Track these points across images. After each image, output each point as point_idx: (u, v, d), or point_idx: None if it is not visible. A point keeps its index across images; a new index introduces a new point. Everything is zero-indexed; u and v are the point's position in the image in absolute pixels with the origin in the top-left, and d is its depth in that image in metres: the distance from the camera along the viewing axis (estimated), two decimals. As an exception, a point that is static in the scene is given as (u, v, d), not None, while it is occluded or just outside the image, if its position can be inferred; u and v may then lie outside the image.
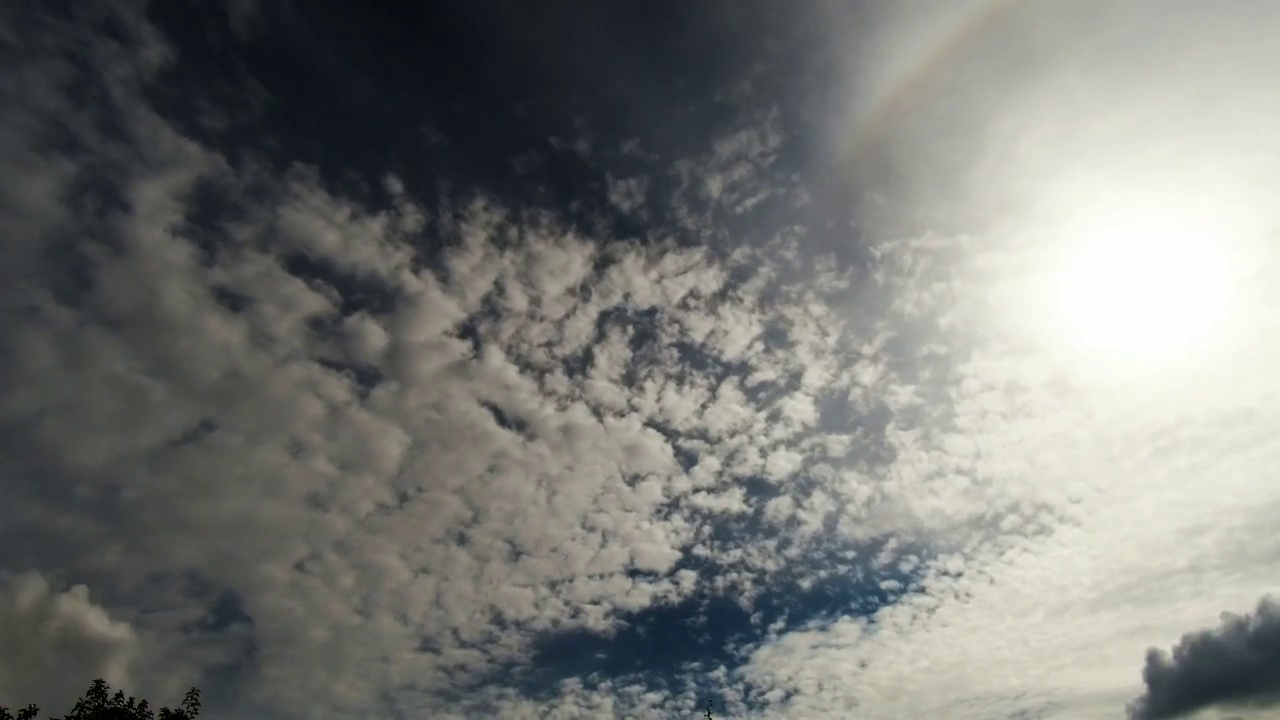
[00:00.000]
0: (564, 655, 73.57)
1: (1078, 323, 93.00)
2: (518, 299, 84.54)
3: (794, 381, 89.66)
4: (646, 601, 75.67)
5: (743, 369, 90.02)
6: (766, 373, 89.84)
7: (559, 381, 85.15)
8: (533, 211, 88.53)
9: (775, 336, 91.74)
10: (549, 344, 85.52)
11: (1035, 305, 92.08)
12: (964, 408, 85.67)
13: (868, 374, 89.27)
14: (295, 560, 69.40)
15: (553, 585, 75.69)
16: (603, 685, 70.52)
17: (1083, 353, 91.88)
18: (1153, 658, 61.58)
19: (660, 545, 79.71)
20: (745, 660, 73.69)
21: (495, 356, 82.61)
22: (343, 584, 71.10)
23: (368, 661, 68.45)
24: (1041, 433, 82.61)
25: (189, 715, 26.44)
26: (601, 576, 77.07)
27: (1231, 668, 57.51)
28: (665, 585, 76.73)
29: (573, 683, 70.21)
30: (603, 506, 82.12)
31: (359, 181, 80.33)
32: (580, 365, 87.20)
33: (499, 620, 72.83)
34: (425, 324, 79.60)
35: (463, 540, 77.40)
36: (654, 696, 70.47)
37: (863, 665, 72.32)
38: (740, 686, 71.59)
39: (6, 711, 21.07)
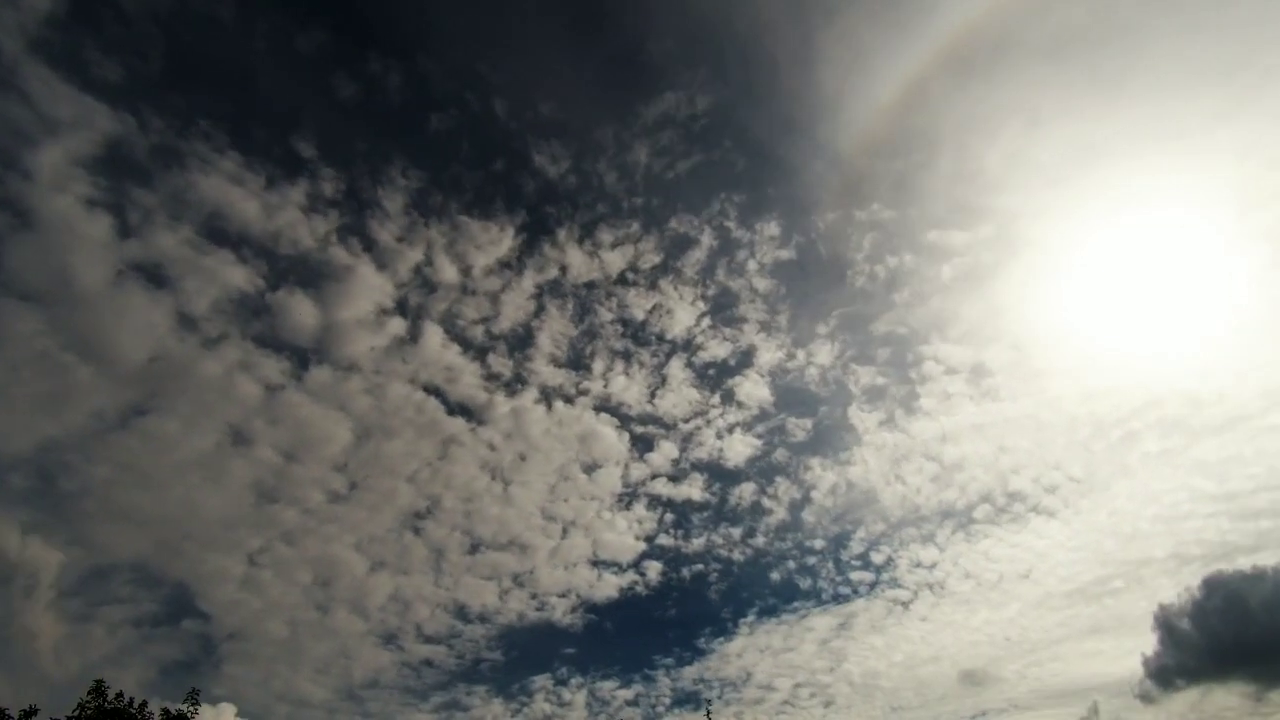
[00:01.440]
0: (533, 650, 72.80)
1: (1039, 303, 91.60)
2: (447, 271, 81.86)
3: (745, 360, 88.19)
4: (613, 593, 75.28)
5: (689, 347, 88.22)
6: (715, 350, 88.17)
7: (502, 364, 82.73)
8: (454, 173, 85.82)
9: (720, 311, 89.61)
10: (485, 320, 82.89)
11: (994, 285, 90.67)
12: (927, 389, 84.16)
13: (824, 353, 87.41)
14: (247, 552, 67.19)
15: (515, 577, 74.55)
16: (574, 681, 69.94)
17: (1045, 334, 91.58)
18: (1163, 622, 58.29)
19: (623, 535, 79.08)
20: (716, 654, 73.53)
21: (433, 335, 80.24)
22: (298, 577, 69.03)
23: (329, 658, 66.64)
24: (1009, 414, 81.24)
25: (190, 715, 25.39)
26: (565, 567, 76.42)
27: (1256, 632, 51.91)
28: (631, 576, 76.36)
29: (543, 679, 69.46)
30: (561, 495, 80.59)
31: (270, 142, 77.50)
32: (520, 343, 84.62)
33: (462, 614, 71.60)
34: (356, 299, 76.77)
35: (419, 531, 75.61)
36: (626, 693, 69.98)
37: (836, 659, 72.02)
38: (715, 682, 71.39)
39: (7, 711, 19.85)
